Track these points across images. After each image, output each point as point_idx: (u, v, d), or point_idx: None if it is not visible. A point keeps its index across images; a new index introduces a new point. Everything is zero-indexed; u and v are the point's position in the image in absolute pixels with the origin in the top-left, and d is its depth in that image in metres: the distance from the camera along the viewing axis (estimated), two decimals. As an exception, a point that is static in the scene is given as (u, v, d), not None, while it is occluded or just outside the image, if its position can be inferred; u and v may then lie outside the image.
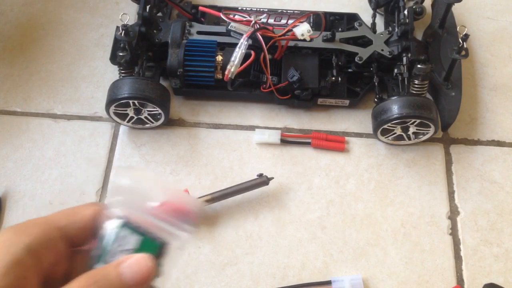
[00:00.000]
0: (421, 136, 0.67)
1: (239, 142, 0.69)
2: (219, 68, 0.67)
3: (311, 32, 0.65)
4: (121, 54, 0.64)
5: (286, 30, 0.65)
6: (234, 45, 0.65)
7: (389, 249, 0.63)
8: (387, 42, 0.69)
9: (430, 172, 0.67)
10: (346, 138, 0.70)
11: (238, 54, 0.63)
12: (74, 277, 0.25)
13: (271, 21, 0.74)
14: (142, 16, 0.68)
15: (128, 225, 0.29)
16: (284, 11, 0.76)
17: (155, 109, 0.65)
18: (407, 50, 0.68)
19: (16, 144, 0.69)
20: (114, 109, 0.65)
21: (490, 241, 0.64)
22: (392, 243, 0.63)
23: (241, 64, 0.64)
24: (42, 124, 0.71)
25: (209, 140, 0.70)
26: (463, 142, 0.70)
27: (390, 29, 0.70)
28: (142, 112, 0.66)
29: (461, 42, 0.63)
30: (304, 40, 0.66)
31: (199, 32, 0.70)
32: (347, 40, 0.70)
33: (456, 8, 0.74)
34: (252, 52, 0.64)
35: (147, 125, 0.69)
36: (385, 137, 0.68)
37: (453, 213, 0.65)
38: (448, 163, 0.69)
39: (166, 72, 0.69)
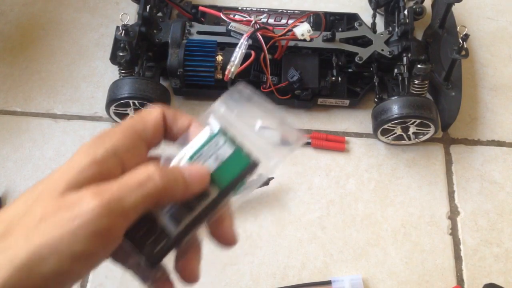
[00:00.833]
0: (421, 136, 0.67)
1: (239, 142, 0.69)
2: (219, 68, 0.67)
3: (311, 32, 0.65)
4: (121, 54, 0.64)
5: (286, 30, 0.65)
6: (234, 45, 0.65)
7: (389, 249, 0.63)
8: (387, 42, 0.69)
9: (430, 172, 0.67)
10: (346, 138, 0.70)
11: (238, 54, 0.63)
12: None
13: (271, 21, 0.74)
14: (142, 16, 0.68)
15: (225, 134, 0.29)
16: (284, 11, 0.76)
17: (155, 109, 0.65)
18: (407, 50, 0.68)
19: (16, 144, 0.69)
20: (114, 109, 0.65)
21: (490, 241, 0.64)
22: (392, 243, 0.63)
23: (241, 64, 0.64)
24: (42, 124, 0.71)
25: (209, 140, 0.69)
26: (463, 142, 0.70)
27: (390, 29, 0.70)
28: (142, 112, 0.66)
29: (461, 42, 0.63)
30: (304, 40, 0.66)
31: (199, 32, 0.70)
32: (347, 40, 0.70)
33: (456, 8, 0.74)
34: (252, 52, 0.64)
35: (147, 125, 0.69)
36: (385, 137, 0.68)
37: (453, 213, 0.65)
38: (448, 163, 0.69)
39: (166, 72, 0.69)
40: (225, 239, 0.29)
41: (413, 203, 0.65)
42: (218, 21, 0.74)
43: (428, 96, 0.68)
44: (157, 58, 0.70)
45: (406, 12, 0.70)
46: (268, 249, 0.63)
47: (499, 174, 0.67)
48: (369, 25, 0.73)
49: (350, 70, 0.70)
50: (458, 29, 0.65)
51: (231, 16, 0.68)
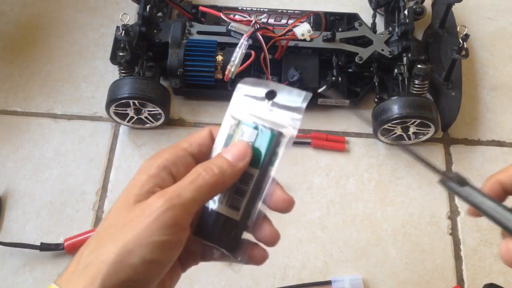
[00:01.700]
0: (421, 136, 0.67)
1: (239, 142, 0.69)
2: (219, 68, 0.67)
3: (311, 32, 0.65)
4: (121, 54, 0.64)
5: (286, 30, 0.65)
6: (234, 45, 0.65)
7: (389, 249, 0.63)
8: (387, 42, 0.69)
9: (430, 172, 0.67)
10: (346, 138, 0.70)
11: (238, 54, 0.63)
12: None
13: (271, 21, 0.75)
14: (142, 16, 0.68)
15: (246, 123, 0.34)
16: (284, 11, 0.76)
17: (155, 109, 0.65)
18: (407, 50, 0.68)
19: (16, 144, 0.69)
20: (114, 109, 0.65)
21: (490, 241, 0.64)
22: (392, 243, 0.63)
23: (241, 64, 0.64)
24: (42, 124, 0.71)
25: (209, 140, 0.70)
26: (463, 142, 0.70)
27: (391, 29, 0.71)
28: (142, 112, 0.66)
29: (461, 42, 0.63)
30: (304, 40, 0.66)
31: (199, 32, 0.70)
32: (347, 40, 0.70)
33: (456, 8, 0.74)
34: (252, 52, 0.64)
35: (147, 125, 0.69)
36: (385, 137, 0.68)
37: (453, 213, 0.65)
38: (448, 163, 0.69)
39: (166, 72, 0.69)
40: (283, 204, 0.34)
41: (413, 203, 0.65)
42: (218, 21, 0.74)
43: (428, 96, 0.68)
44: (157, 58, 0.70)
45: (406, 12, 0.70)
46: (268, 249, 0.62)
47: (499, 174, 0.67)
48: (369, 25, 0.73)
49: (350, 70, 0.70)
50: (458, 29, 0.65)
51: (231, 16, 0.68)
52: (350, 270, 0.62)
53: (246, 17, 0.67)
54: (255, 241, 0.34)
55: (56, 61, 0.75)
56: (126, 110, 0.66)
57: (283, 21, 0.74)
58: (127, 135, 0.70)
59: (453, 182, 0.33)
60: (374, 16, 0.75)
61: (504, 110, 0.73)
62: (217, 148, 0.34)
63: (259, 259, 0.34)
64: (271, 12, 0.75)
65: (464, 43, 0.63)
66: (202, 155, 0.34)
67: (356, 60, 0.68)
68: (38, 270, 0.61)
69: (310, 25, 0.66)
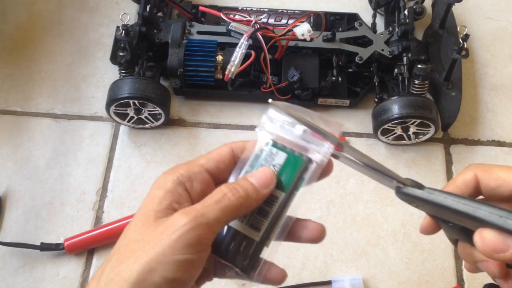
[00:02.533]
0: (421, 136, 0.67)
1: (239, 142, 0.69)
2: (220, 68, 0.67)
3: (312, 32, 0.65)
4: (121, 54, 0.64)
5: (286, 30, 0.65)
6: (234, 45, 0.65)
7: (389, 249, 0.63)
8: (387, 42, 0.69)
9: (431, 172, 0.67)
10: (346, 138, 0.70)
11: (238, 54, 0.63)
12: None
13: (271, 21, 0.74)
14: (142, 16, 0.68)
15: (276, 145, 0.34)
16: (285, 11, 0.76)
17: (155, 109, 0.65)
18: (408, 50, 0.68)
19: (17, 143, 0.69)
20: (115, 109, 0.65)
21: (490, 241, 0.63)
22: (392, 243, 0.63)
23: (242, 64, 0.64)
24: (42, 124, 0.71)
25: (209, 140, 0.70)
26: (463, 142, 0.70)
27: (391, 29, 0.70)
28: (143, 112, 0.66)
29: (461, 42, 0.63)
30: (305, 40, 0.66)
31: (199, 32, 0.70)
32: (347, 40, 0.70)
33: (456, 8, 0.74)
34: (253, 52, 0.64)
35: (147, 125, 0.69)
36: (386, 137, 0.68)
37: (453, 213, 0.65)
38: (449, 163, 0.69)
39: (167, 72, 0.69)
40: (316, 233, 0.35)
41: (413, 203, 0.65)
42: (218, 21, 0.74)
43: (428, 96, 0.68)
44: (157, 58, 0.70)
45: (406, 12, 0.70)
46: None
47: (499, 174, 0.67)
48: (369, 25, 0.73)
49: (350, 70, 0.70)
50: (458, 29, 0.65)
51: (231, 16, 0.68)
52: (350, 270, 0.62)
53: (246, 17, 0.67)
54: (272, 260, 0.33)
55: (56, 61, 0.75)
56: (126, 110, 0.66)
57: (283, 21, 0.74)
58: (127, 135, 0.70)
59: (411, 187, 0.32)
60: (374, 16, 0.75)
61: (504, 110, 0.73)
62: (242, 166, 0.34)
63: (277, 279, 0.34)
64: (271, 12, 0.75)
65: (464, 43, 0.63)
66: (220, 172, 0.34)
67: (356, 60, 0.68)
68: (38, 270, 0.61)
69: (310, 25, 0.66)
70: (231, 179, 0.34)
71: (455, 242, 0.34)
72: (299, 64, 0.67)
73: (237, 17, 0.68)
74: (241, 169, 0.34)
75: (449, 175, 0.67)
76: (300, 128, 0.33)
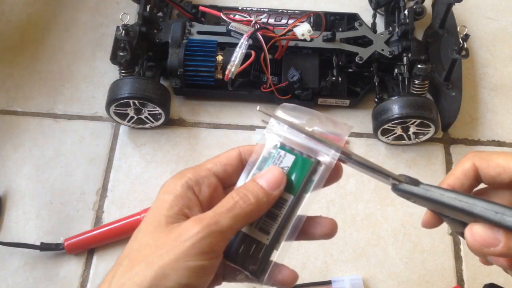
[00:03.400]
0: (421, 136, 0.67)
1: (239, 142, 0.69)
2: (220, 68, 0.67)
3: (312, 32, 0.65)
4: (121, 54, 0.64)
5: (286, 30, 0.65)
6: (234, 45, 0.65)
7: (389, 249, 0.63)
8: (387, 42, 0.69)
9: (431, 172, 0.67)
10: (346, 138, 0.69)
11: (238, 54, 0.63)
12: None
13: (271, 21, 0.74)
14: (142, 16, 0.68)
15: (284, 147, 0.33)
16: (285, 11, 0.76)
17: (155, 109, 0.65)
18: (408, 50, 0.68)
19: (17, 143, 0.69)
20: (115, 109, 0.65)
21: (490, 241, 0.63)
22: (392, 243, 0.63)
23: (242, 64, 0.64)
24: (42, 124, 0.71)
25: (209, 140, 0.70)
26: (463, 142, 0.70)
27: (391, 29, 0.70)
28: (143, 112, 0.66)
29: (461, 42, 0.63)
30: (305, 40, 0.66)
31: (199, 32, 0.70)
32: (347, 40, 0.70)
33: (456, 8, 0.74)
34: (253, 52, 0.64)
35: (148, 125, 0.69)
36: (386, 137, 0.68)
37: (453, 213, 0.65)
38: (449, 163, 0.69)
39: (167, 72, 0.69)
40: (328, 229, 0.34)
41: (413, 204, 0.65)
42: (218, 21, 0.74)
43: (428, 96, 0.68)
44: (158, 58, 0.70)
45: (406, 12, 0.70)
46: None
47: (499, 174, 0.67)
48: (370, 25, 0.73)
49: (350, 70, 0.70)
50: (458, 29, 0.65)
51: (231, 16, 0.68)
52: (350, 270, 0.62)
53: (246, 17, 0.67)
54: (282, 262, 0.33)
55: (56, 61, 0.75)
56: (126, 110, 0.66)
57: (283, 21, 0.74)
58: (127, 135, 0.70)
59: (407, 184, 0.32)
60: (374, 16, 0.75)
61: (504, 110, 0.73)
62: (250, 169, 0.34)
63: (288, 280, 0.34)
64: (271, 12, 0.75)
65: (464, 43, 0.63)
66: (228, 175, 0.34)
67: (356, 60, 0.68)
68: (38, 270, 0.61)
69: (310, 25, 0.66)
70: (240, 182, 0.34)
71: (461, 234, 0.34)
72: (299, 64, 0.67)
73: (237, 17, 0.68)
74: (249, 172, 0.34)
75: (449, 175, 0.67)
76: (308, 131, 0.33)
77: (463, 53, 0.63)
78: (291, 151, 0.33)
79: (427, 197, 0.31)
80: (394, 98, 0.64)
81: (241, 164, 0.34)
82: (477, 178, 0.33)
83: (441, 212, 0.32)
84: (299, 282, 0.60)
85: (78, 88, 0.73)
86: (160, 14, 0.75)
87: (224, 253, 0.32)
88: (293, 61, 0.67)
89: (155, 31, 0.70)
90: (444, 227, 0.64)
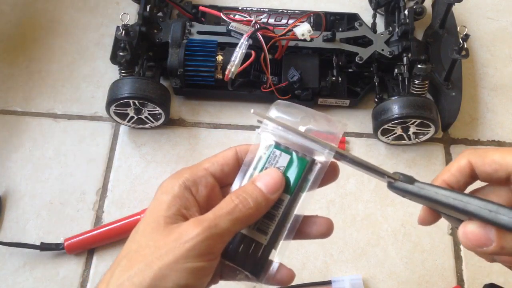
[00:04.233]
0: (421, 136, 0.67)
1: (239, 142, 0.69)
2: (220, 68, 0.67)
3: (312, 32, 0.65)
4: (121, 54, 0.64)
5: (286, 30, 0.65)
6: (234, 45, 0.65)
7: (389, 249, 0.63)
8: (387, 42, 0.69)
9: (431, 172, 0.67)
10: (346, 138, 0.70)
11: (238, 54, 0.63)
12: None
13: (271, 21, 0.74)
14: (142, 16, 0.68)
15: (279, 147, 0.34)
16: (285, 11, 0.76)
17: (155, 109, 0.65)
18: (408, 50, 0.68)
19: (17, 143, 0.69)
20: (115, 109, 0.65)
21: (490, 241, 0.63)
22: (392, 243, 0.63)
23: (242, 64, 0.64)
24: (42, 124, 0.71)
25: (209, 140, 0.70)
26: (463, 142, 0.70)
27: (391, 29, 0.70)
28: (143, 112, 0.66)
29: (461, 42, 0.63)
30: (305, 40, 0.66)
31: (199, 32, 0.70)
32: (347, 40, 0.70)
33: (456, 8, 0.74)
34: (253, 52, 0.64)
35: (148, 125, 0.69)
36: (386, 137, 0.68)
37: (453, 213, 0.65)
38: (449, 163, 0.68)
39: (167, 72, 0.69)
40: (324, 228, 0.35)
41: (413, 203, 0.65)
42: (218, 21, 0.74)
43: (428, 96, 0.68)
44: (158, 58, 0.70)
45: (406, 12, 0.70)
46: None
47: (499, 174, 0.67)
48: (370, 25, 0.73)
49: (350, 70, 0.70)
50: (458, 29, 0.65)
51: (232, 16, 0.68)
52: (350, 270, 0.62)
53: (246, 17, 0.67)
54: (280, 262, 0.34)
55: (56, 61, 0.75)
56: (126, 110, 0.66)
57: (283, 21, 0.74)
58: (127, 135, 0.70)
59: (402, 182, 0.32)
60: (374, 16, 0.75)
61: (504, 110, 0.73)
62: (246, 169, 0.34)
63: (286, 279, 0.34)
64: (271, 12, 0.75)
65: (464, 43, 0.63)
66: (225, 175, 0.34)
67: (356, 60, 0.68)
68: (38, 270, 0.61)
69: (310, 25, 0.66)
70: (236, 182, 0.34)
71: None
72: (299, 64, 0.67)
73: (237, 17, 0.68)
74: (245, 173, 0.34)
75: (449, 175, 0.67)
76: (302, 129, 0.33)
77: (463, 53, 0.63)
78: (286, 150, 0.33)
79: (421, 195, 0.31)
80: (394, 98, 0.64)
81: (237, 164, 0.35)
82: (473, 175, 0.33)
83: (436, 209, 0.32)
84: (299, 282, 0.61)
85: (78, 88, 0.73)
86: (160, 14, 0.75)
87: (223, 253, 0.32)
88: (293, 61, 0.68)
89: (155, 31, 0.70)
90: (444, 227, 0.64)
